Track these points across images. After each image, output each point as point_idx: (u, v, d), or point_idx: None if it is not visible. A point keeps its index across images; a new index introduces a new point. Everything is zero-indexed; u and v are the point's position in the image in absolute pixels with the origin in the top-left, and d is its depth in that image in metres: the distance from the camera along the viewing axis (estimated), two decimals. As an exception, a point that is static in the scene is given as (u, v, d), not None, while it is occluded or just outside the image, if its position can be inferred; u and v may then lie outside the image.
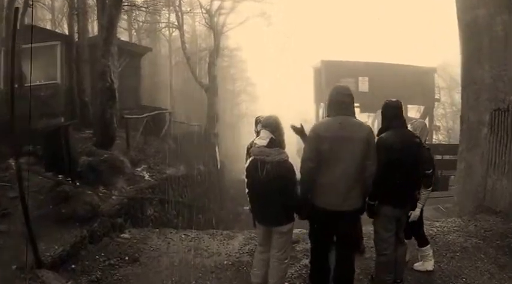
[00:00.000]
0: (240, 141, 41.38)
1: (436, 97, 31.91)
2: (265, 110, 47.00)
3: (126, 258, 7.27)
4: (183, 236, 8.52)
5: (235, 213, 22.52)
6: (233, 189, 26.66)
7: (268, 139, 5.08)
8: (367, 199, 5.41)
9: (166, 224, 11.74)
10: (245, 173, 5.40)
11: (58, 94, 15.77)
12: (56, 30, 23.26)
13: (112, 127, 11.62)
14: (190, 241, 8.23)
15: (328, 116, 5.25)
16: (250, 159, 5.27)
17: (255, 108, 44.97)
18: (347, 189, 5.01)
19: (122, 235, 8.32)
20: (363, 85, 30.72)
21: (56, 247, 6.65)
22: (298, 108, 45.70)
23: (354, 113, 5.20)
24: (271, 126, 5.18)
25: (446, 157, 15.39)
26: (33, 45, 13.49)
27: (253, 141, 5.67)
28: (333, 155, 4.94)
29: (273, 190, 5.02)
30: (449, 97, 38.98)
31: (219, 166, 22.91)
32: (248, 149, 6.05)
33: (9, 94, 6.07)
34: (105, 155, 10.52)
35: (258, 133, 5.80)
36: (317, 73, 33.14)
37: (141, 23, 32.50)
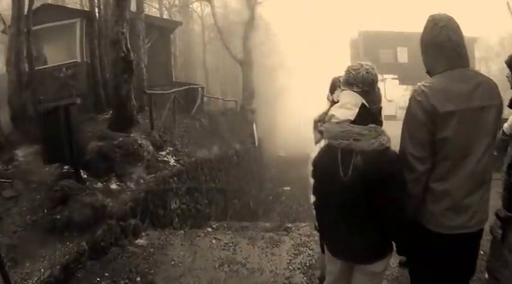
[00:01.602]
0: (277, 117, 39.33)
1: (477, 68, 29.79)
2: (301, 85, 44.95)
3: (138, 279, 5.23)
4: (213, 241, 6.62)
5: (276, 194, 20.58)
6: (273, 168, 24.68)
7: (357, 109, 2.69)
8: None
9: (195, 217, 9.96)
10: (311, 169, 3.04)
11: (78, 73, 13.90)
12: (77, 7, 21.22)
13: (129, 104, 9.66)
14: (223, 249, 6.31)
15: (429, 73, 2.95)
16: (322, 145, 3.09)
17: (291, 82, 42.64)
18: (477, 196, 2.74)
19: (136, 242, 6.58)
20: (402, 56, 29.27)
21: (43, 269, 4.84)
22: None
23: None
24: (364, 83, 2.74)
25: None
26: (50, 24, 11.92)
27: (327, 112, 3.16)
28: (462, 143, 2.66)
29: (363, 202, 2.63)
30: (486, 68, 35.99)
31: (256, 144, 20.72)
32: (316, 123, 3.88)
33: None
34: (121, 138, 8.50)
35: (332, 103, 3.51)
36: (354, 44, 31.37)
37: (171, 0, 30.55)
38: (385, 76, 31.59)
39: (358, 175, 2.57)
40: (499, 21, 35.28)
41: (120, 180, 7.54)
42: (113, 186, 7.27)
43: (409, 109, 2.79)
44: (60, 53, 14.54)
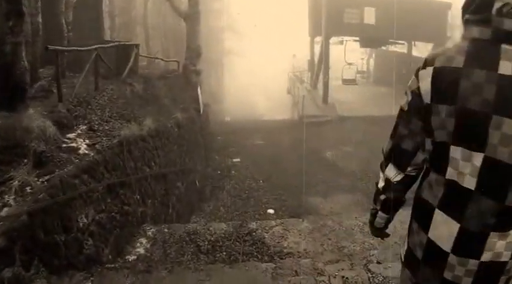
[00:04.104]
0: (224, 80, 36.28)
1: (448, 35, 27.89)
2: (251, 48, 41.93)
3: None
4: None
5: (224, 168, 17.84)
6: (220, 136, 21.78)
7: None
8: None
9: (122, 226, 7.10)
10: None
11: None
12: None
13: (18, 67, 6.32)
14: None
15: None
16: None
17: (240, 45, 39.64)
18: None
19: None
20: (369, 16, 27.16)
21: None
22: (290, 44, 40.93)
23: None
24: None
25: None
26: None
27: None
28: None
29: None
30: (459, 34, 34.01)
31: (202, 111, 17.51)
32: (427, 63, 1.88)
33: None
34: (-5, 121, 5.29)
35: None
36: (314, 3, 29.46)
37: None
38: (346, 38, 29.23)
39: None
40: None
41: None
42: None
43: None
44: None
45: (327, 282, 5.44)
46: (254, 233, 7.67)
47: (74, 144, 6.47)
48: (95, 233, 5.99)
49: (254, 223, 8.14)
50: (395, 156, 2.11)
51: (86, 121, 7.54)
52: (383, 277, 5.60)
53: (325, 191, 15.02)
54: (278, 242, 7.42)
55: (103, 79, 10.60)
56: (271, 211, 13.63)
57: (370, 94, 29.14)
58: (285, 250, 7.11)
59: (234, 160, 18.80)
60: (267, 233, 7.73)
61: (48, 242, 4.89)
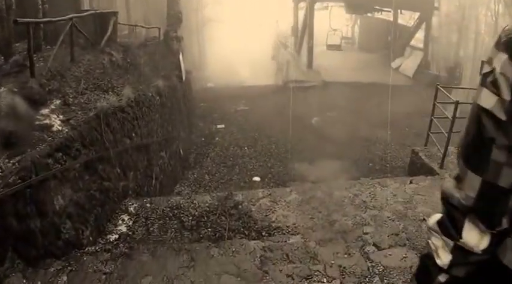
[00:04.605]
0: (206, 46, 35.38)
1: (436, 5, 27.35)
2: (234, 14, 40.84)
3: None
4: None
5: (208, 135, 17.36)
6: (203, 102, 21.24)
7: None
8: None
9: (103, 203, 6.72)
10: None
11: None
12: None
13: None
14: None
15: None
16: None
17: (222, 11, 38.54)
18: None
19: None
20: None
21: None
22: (273, 10, 39.98)
23: None
24: None
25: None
26: None
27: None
28: None
29: None
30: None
31: (183, 78, 16.86)
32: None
33: None
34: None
35: None
36: None
37: None
38: (331, 4, 28.51)
39: None
40: None
41: None
42: None
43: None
44: None
45: (323, 272, 5.04)
46: (240, 206, 7.28)
47: (47, 121, 5.94)
48: (73, 215, 5.55)
49: (240, 195, 7.72)
50: (486, 202, 1.19)
51: (60, 95, 6.97)
52: (383, 266, 5.21)
53: (311, 157, 14.71)
54: (266, 215, 7.04)
55: (81, 50, 9.92)
56: (257, 178, 13.34)
57: (355, 61, 28.59)
58: (273, 225, 6.73)
59: (218, 126, 18.39)
60: (253, 206, 7.35)
61: (22, 230, 4.47)
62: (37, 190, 4.76)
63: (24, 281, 4.35)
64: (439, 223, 1.29)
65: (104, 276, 4.88)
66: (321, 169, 13.64)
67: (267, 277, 4.99)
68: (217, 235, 6.41)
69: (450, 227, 1.24)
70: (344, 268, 5.15)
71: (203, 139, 17.02)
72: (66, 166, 5.48)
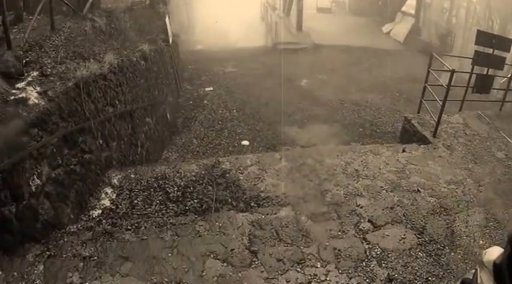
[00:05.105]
0: (194, 10, 34.39)
1: None
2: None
3: None
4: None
5: (196, 98, 16.90)
6: (191, 65, 20.65)
7: None
8: None
9: (84, 178, 6.25)
10: None
11: None
12: None
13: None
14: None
15: None
16: None
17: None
18: None
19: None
20: None
21: None
22: None
23: None
24: None
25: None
26: None
27: None
28: None
29: None
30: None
31: (171, 41, 16.23)
32: None
33: None
34: None
35: None
36: None
37: None
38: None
39: None
40: None
41: None
42: None
43: None
44: None
45: (316, 256, 4.73)
46: (228, 175, 6.97)
47: (22, 95, 5.46)
48: (51, 194, 5.17)
49: (228, 162, 7.37)
50: None
51: (38, 67, 6.45)
52: (381, 249, 4.91)
53: (301, 121, 14.34)
54: (254, 184, 6.75)
55: (63, 18, 9.29)
56: (245, 142, 12.99)
57: (345, 24, 28.05)
58: (262, 195, 6.45)
59: (207, 89, 17.85)
60: (241, 174, 7.05)
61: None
62: (10, 174, 4.37)
63: (0, 272, 4.06)
64: (496, 265, 1.15)
65: (81, 264, 4.59)
66: (311, 133, 13.33)
67: (256, 262, 4.69)
68: (203, 207, 6.10)
69: (507, 276, 1.10)
70: (339, 250, 4.86)
71: (191, 102, 16.49)
72: (43, 142, 5.05)
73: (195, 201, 6.27)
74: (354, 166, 7.19)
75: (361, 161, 7.36)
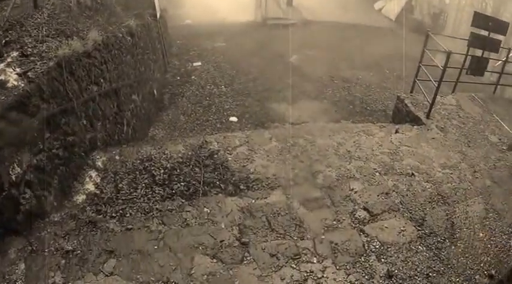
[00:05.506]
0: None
1: None
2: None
3: None
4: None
5: (184, 73, 16.44)
6: (179, 39, 20.15)
7: None
8: None
9: (68, 160, 5.99)
10: None
11: None
12: None
13: None
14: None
15: None
16: None
17: None
18: None
19: None
20: None
21: None
22: None
23: None
24: None
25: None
26: None
27: None
28: None
29: None
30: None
31: (158, 16, 15.73)
32: None
33: None
34: None
35: None
36: None
37: None
38: None
39: None
40: None
41: None
42: None
43: None
44: None
45: (312, 250, 4.49)
46: (216, 156, 6.73)
47: (1, 77, 5.11)
48: (33, 182, 4.90)
49: (215, 142, 7.10)
50: None
51: (18, 46, 6.10)
52: (380, 242, 4.68)
53: (290, 97, 14.01)
54: (243, 166, 6.54)
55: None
56: (234, 119, 12.70)
57: (337, 0, 27.55)
58: (251, 176, 6.24)
59: (195, 64, 17.38)
60: (230, 155, 6.82)
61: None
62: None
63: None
64: None
65: (63, 261, 4.33)
66: (301, 110, 13.06)
67: (248, 258, 4.44)
68: (191, 190, 5.86)
69: None
70: (336, 244, 4.63)
71: (178, 78, 16.04)
72: (23, 126, 4.73)
73: (182, 184, 6.02)
74: (346, 147, 6.98)
75: (354, 142, 7.15)
